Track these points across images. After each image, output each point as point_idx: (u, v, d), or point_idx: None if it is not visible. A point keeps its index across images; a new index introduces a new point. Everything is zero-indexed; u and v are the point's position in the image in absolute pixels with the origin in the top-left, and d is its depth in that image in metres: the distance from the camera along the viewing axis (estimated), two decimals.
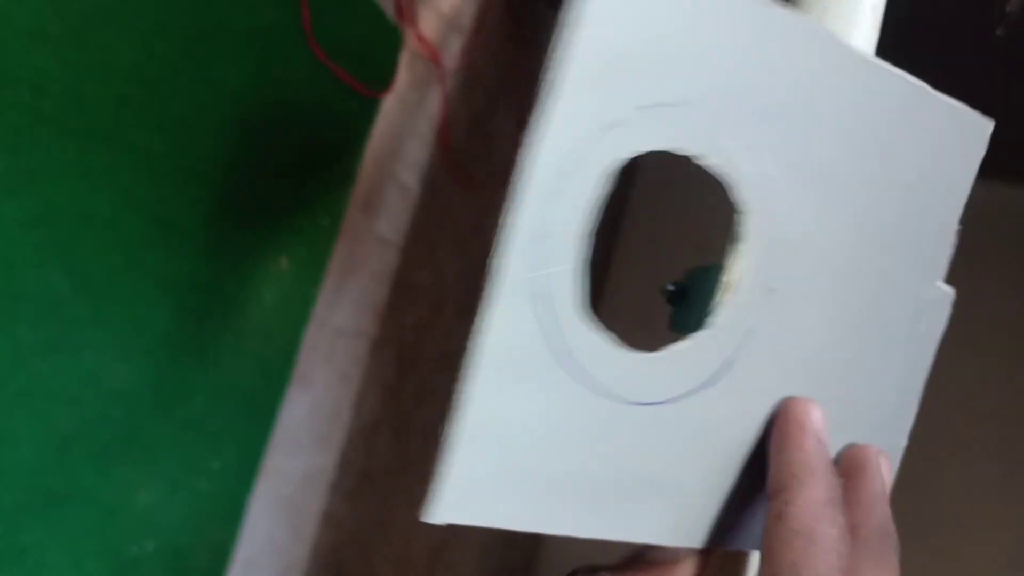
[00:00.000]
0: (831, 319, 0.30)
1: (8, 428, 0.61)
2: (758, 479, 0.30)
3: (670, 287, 0.33)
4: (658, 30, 0.25)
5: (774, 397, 0.30)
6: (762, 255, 0.28)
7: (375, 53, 0.97)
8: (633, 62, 0.26)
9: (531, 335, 0.25)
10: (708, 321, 0.29)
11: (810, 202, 0.29)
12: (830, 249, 0.29)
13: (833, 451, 0.30)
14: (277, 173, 0.83)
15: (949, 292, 0.33)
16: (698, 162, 0.27)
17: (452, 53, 1.20)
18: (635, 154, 0.27)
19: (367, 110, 0.97)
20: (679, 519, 0.29)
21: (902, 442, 0.34)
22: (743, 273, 0.28)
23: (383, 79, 0.99)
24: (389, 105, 1.04)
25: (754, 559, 0.34)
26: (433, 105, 1.18)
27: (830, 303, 0.30)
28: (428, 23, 1.12)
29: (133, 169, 0.66)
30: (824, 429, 0.29)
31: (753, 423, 0.30)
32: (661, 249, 1.78)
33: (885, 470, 0.30)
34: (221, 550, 0.89)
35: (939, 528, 1.52)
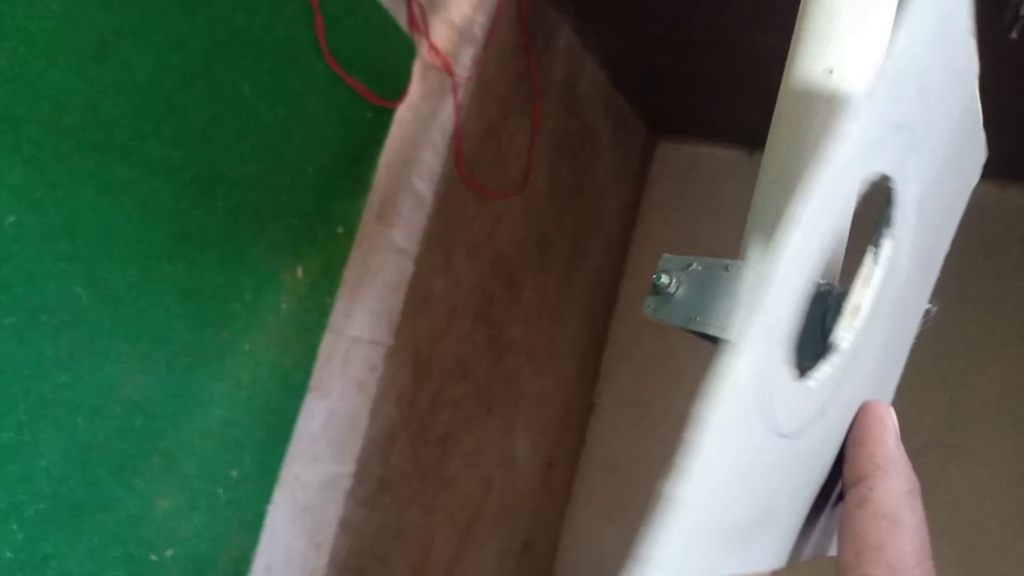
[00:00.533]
0: (886, 334, 0.31)
1: (32, 438, 0.62)
2: (829, 487, 0.30)
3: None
4: (926, 53, 0.24)
5: (853, 411, 0.30)
6: (881, 278, 0.28)
7: (388, 64, 0.98)
8: (908, 78, 0.24)
9: (748, 384, 0.22)
10: (836, 346, 0.28)
11: (914, 227, 0.28)
12: (904, 270, 0.29)
13: None
14: (293, 183, 0.84)
15: (931, 308, 0.34)
16: (887, 184, 0.26)
17: (464, 63, 1.21)
18: (878, 175, 0.25)
19: (381, 120, 0.98)
20: (783, 544, 0.29)
21: None
22: (869, 297, 0.28)
23: (396, 89, 1.00)
24: (403, 115, 1.05)
25: None
26: (446, 115, 1.19)
27: (888, 320, 0.30)
28: (440, 34, 1.12)
29: (152, 182, 0.67)
30: (898, 428, 0.30)
31: (838, 439, 0.30)
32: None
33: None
34: (241, 558, 0.90)
35: (956, 534, 1.51)
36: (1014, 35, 1.12)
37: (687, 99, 1.73)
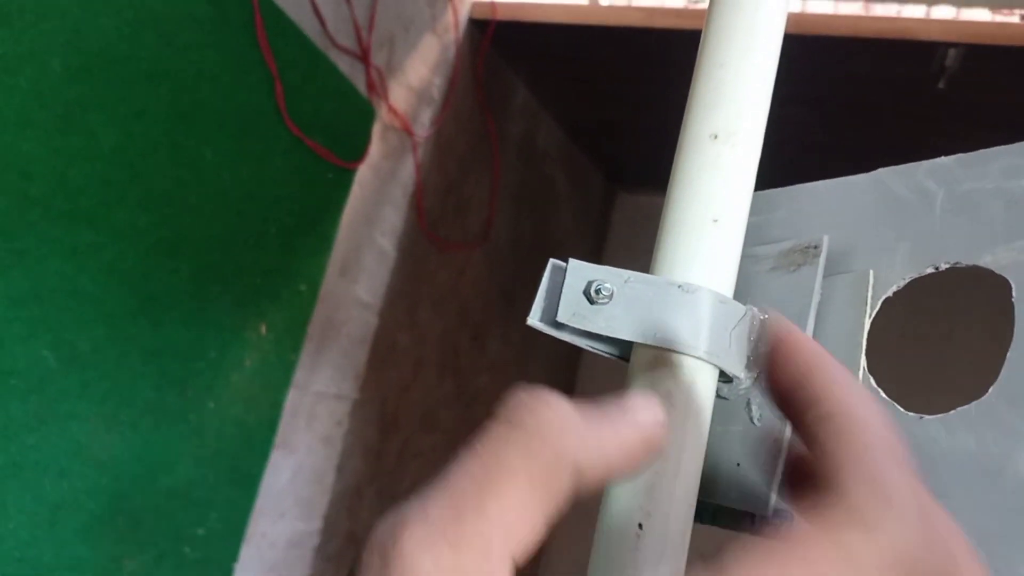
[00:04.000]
0: None
1: (0, 499, 0.62)
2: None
3: None
4: None
5: None
6: None
7: (348, 127, 1.01)
8: None
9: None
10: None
11: None
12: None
13: None
14: (256, 243, 0.86)
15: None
16: None
17: (423, 123, 1.25)
18: None
19: (342, 180, 1.01)
20: None
21: None
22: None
23: (357, 150, 1.04)
24: (364, 174, 1.08)
25: None
26: (407, 173, 1.22)
27: None
28: (399, 96, 1.16)
29: (117, 246, 0.69)
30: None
31: None
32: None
33: None
34: None
35: None
36: (941, 85, 1.18)
37: (642, 151, 1.79)
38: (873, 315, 0.22)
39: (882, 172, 0.24)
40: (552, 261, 0.27)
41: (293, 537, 1.10)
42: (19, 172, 0.59)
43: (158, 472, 0.78)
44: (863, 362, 0.23)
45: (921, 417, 0.21)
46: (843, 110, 1.35)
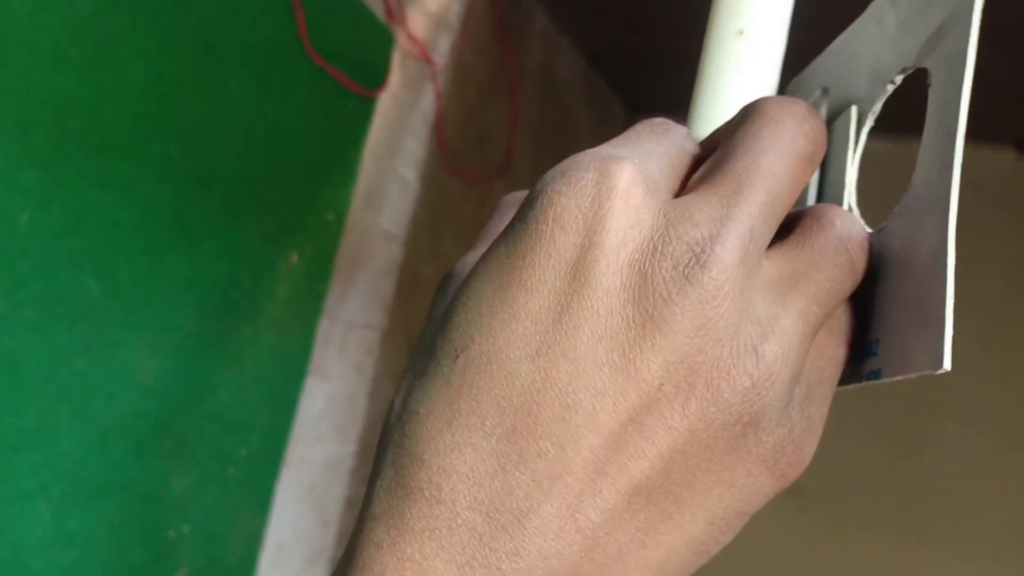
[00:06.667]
0: None
1: (52, 423, 0.66)
2: None
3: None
4: None
5: None
6: None
7: (368, 55, 1.02)
8: None
9: None
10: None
11: None
12: None
13: None
14: (283, 174, 0.88)
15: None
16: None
17: (442, 51, 1.25)
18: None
19: (364, 110, 1.02)
20: None
21: None
22: None
23: (377, 79, 1.04)
24: (384, 104, 1.09)
25: None
26: (427, 102, 1.22)
27: None
28: (417, 23, 1.16)
29: (151, 179, 0.71)
30: None
31: None
32: None
33: None
34: (252, 535, 0.94)
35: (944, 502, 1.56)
36: None
37: (664, 79, 1.77)
38: (859, 150, 0.23)
39: (870, 8, 0.24)
40: None
41: (329, 460, 1.14)
42: (55, 107, 0.61)
43: (200, 396, 0.81)
44: (850, 198, 0.23)
45: (877, 230, 0.22)
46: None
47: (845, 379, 0.22)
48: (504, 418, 0.18)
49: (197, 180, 0.76)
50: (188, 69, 0.72)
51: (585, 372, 0.18)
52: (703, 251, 0.18)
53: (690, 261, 0.18)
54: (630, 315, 0.18)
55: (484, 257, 0.20)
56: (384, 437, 0.20)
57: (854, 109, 0.23)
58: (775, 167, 0.19)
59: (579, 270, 0.18)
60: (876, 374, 0.21)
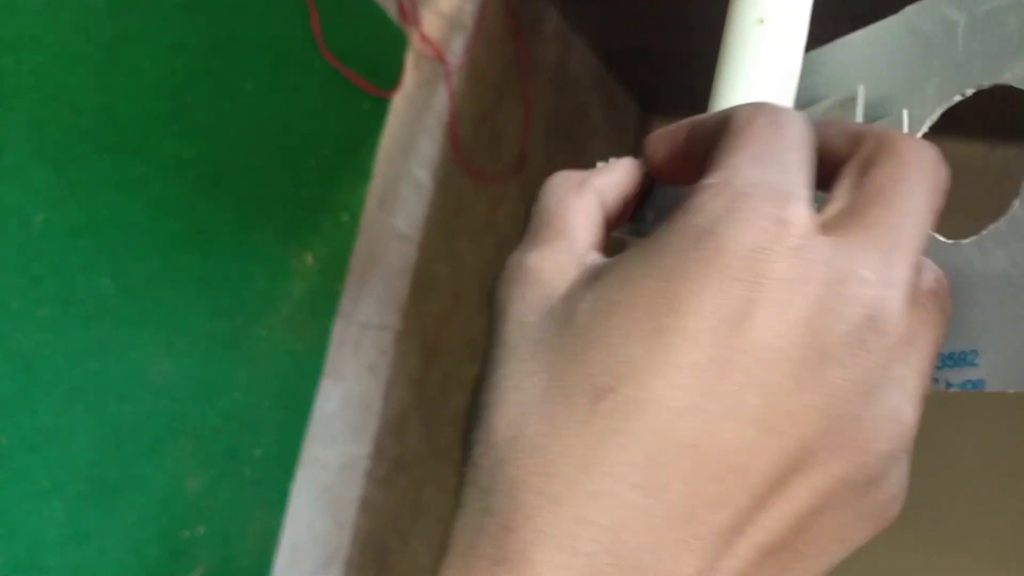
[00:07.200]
0: None
1: (67, 422, 0.66)
2: None
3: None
4: None
5: None
6: None
7: (382, 55, 1.02)
8: None
9: None
10: None
11: None
12: None
13: None
14: (297, 174, 0.88)
15: None
16: None
17: (455, 51, 1.25)
18: None
19: (378, 110, 1.02)
20: None
21: None
22: None
23: (391, 80, 1.04)
24: (398, 104, 1.09)
25: None
26: (440, 102, 1.22)
27: None
28: (431, 23, 1.16)
29: (164, 178, 0.71)
30: None
31: None
32: None
33: None
34: (267, 535, 0.94)
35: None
36: None
37: (677, 77, 1.76)
38: None
39: (908, 10, 0.24)
40: (600, 164, 0.28)
41: (345, 461, 1.14)
42: (69, 105, 0.61)
43: (215, 396, 0.81)
44: None
45: (956, 243, 0.22)
46: None
47: (933, 384, 0.22)
48: (654, 472, 0.17)
49: (211, 180, 0.76)
50: (202, 69, 0.72)
51: (746, 432, 0.17)
52: (874, 317, 0.18)
53: (863, 326, 0.17)
54: (797, 375, 0.17)
55: (622, 286, 0.18)
56: (482, 461, 0.18)
57: (906, 114, 0.23)
58: (921, 224, 0.19)
59: (745, 322, 0.17)
60: (978, 384, 0.21)
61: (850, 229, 0.19)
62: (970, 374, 0.22)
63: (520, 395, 0.19)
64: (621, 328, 0.18)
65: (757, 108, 0.21)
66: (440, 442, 1.40)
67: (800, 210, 0.18)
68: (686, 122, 0.23)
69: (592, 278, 0.19)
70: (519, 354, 0.19)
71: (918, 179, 0.19)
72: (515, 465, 0.18)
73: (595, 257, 0.21)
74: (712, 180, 0.19)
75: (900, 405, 0.18)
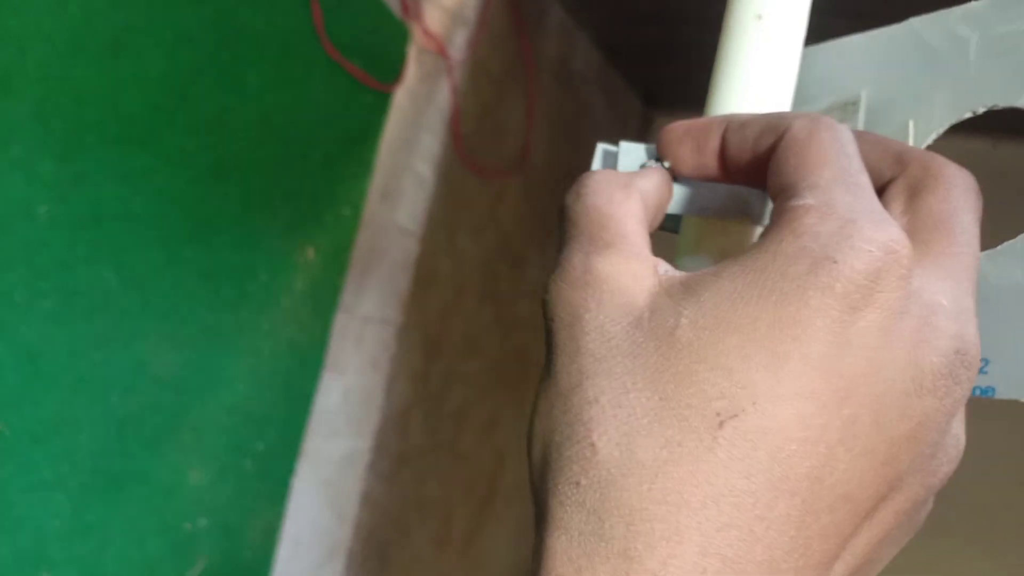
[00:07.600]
0: None
1: (70, 414, 0.66)
2: None
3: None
4: None
5: None
6: None
7: (384, 50, 1.02)
8: None
9: None
10: None
11: None
12: None
13: None
14: (300, 167, 0.88)
15: None
16: None
17: (458, 45, 1.25)
18: None
19: (380, 104, 1.02)
20: None
21: None
22: None
23: (393, 74, 1.04)
24: (400, 99, 1.09)
25: None
26: (443, 97, 1.22)
27: None
28: (433, 17, 1.16)
29: (169, 170, 0.71)
30: None
31: None
32: None
33: None
34: (269, 529, 0.94)
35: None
36: None
37: (680, 71, 1.76)
38: None
39: (914, 21, 0.24)
40: (601, 145, 0.28)
41: (346, 455, 1.14)
42: (73, 97, 0.61)
43: (217, 389, 0.81)
44: None
45: (993, 251, 0.22)
46: None
47: None
48: (777, 503, 0.17)
49: (214, 172, 0.76)
50: (205, 61, 0.72)
51: (858, 462, 0.17)
52: (960, 350, 0.18)
53: (954, 360, 0.18)
54: (901, 405, 0.18)
55: (733, 306, 0.18)
56: (584, 481, 0.18)
57: (912, 125, 0.23)
58: (977, 254, 0.20)
59: (863, 352, 0.18)
60: (988, 391, 0.23)
61: (917, 258, 0.19)
62: (980, 381, 0.23)
63: (623, 413, 0.18)
64: (740, 350, 0.17)
65: (814, 121, 0.20)
66: (442, 436, 1.40)
67: (903, 237, 0.18)
68: (715, 121, 0.23)
69: (685, 291, 0.19)
70: (611, 367, 0.18)
71: (968, 208, 0.20)
72: (630, 490, 0.17)
73: (666, 266, 0.20)
74: (809, 202, 0.18)
75: (960, 430, 0.20)
